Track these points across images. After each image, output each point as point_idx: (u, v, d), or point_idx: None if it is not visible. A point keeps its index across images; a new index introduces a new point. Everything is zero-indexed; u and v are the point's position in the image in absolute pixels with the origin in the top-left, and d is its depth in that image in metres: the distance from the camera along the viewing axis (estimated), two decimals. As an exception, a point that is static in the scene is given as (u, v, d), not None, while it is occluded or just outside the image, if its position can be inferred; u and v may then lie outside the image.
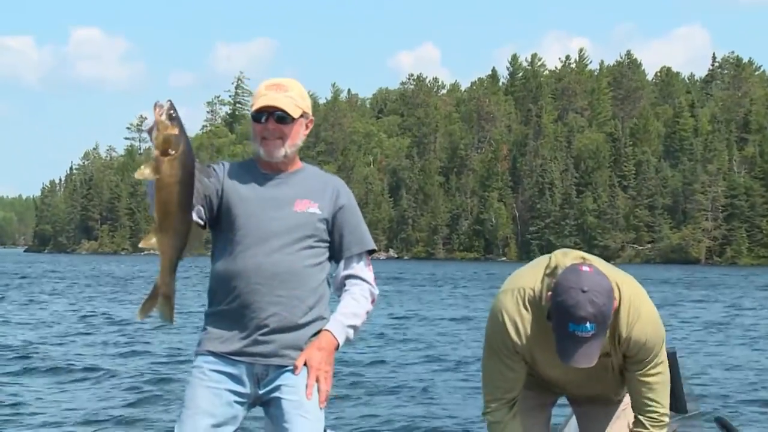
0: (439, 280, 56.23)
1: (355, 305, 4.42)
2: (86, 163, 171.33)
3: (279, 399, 4.28)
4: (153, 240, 4.01)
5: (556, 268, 4.26)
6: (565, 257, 4.31)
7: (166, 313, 4.11)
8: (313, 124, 4.57)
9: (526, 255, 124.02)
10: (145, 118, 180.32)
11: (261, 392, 4.32)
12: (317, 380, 4.27)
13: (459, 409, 12.54)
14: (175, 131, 3.83)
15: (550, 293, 4.18)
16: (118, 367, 16.04)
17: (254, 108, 4.37)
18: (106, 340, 20.55)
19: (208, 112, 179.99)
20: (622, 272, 4.42)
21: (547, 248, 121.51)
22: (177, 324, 23.14)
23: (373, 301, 4.49)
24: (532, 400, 4.66)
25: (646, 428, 4.45)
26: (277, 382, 4.30)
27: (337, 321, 4.37)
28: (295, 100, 4.38)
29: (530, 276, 4.38)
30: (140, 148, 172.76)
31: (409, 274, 63.72)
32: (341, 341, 4.35)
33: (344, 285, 4.48)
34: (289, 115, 4.34)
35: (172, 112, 3.83)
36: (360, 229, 4.49)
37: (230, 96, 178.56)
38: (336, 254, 4.48)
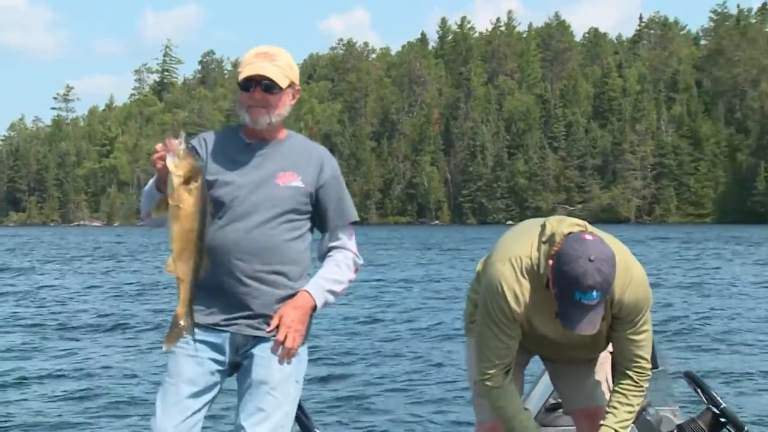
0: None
1: (337, 271, 4.43)
2: (12, 134, 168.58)
3: (249, 369, 4.34)
4: (173, 267, 4.07)
5: (553, 235, 4.29)
6: (561, 224, 4.33)
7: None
8: (299, 93, 4.56)
9: (458, 218, 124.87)
10: (72, 88, 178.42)
11: (237, 359, 4.38)
12: (285, 338, 4.28)
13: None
14: (196, 161, 3.96)
15: (551, 261, 4.22)
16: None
17: (241, 76, 4.34)
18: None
19: (135, 80, 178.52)
20: (609, 235, 4.47)
21: (480, 211, 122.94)
22: (164, 293, 23.28)
23: (356, 270, 4.52)
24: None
25: (635, 381, 4.56)
26: (252, 351, 4.34)
27: (316, 283, 4.38)
28: (283, 69, 4.36)
29: (524, 244, 4.40)
30: (67, 118, 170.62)
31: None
32: (319, 303, 4.35)
33: (328, 254, 4.51)
34: (276, 84, 4.33)
35: (188, 144, 3.95)
36: (344, 202, 4.50)
37: (158, 64, 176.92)
38: (320, 226, 4.50)
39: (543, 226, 4.38)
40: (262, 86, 4.32)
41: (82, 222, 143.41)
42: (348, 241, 4.51)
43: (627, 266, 4.37)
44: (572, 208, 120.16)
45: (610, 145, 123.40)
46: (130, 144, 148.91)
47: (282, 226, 4.35)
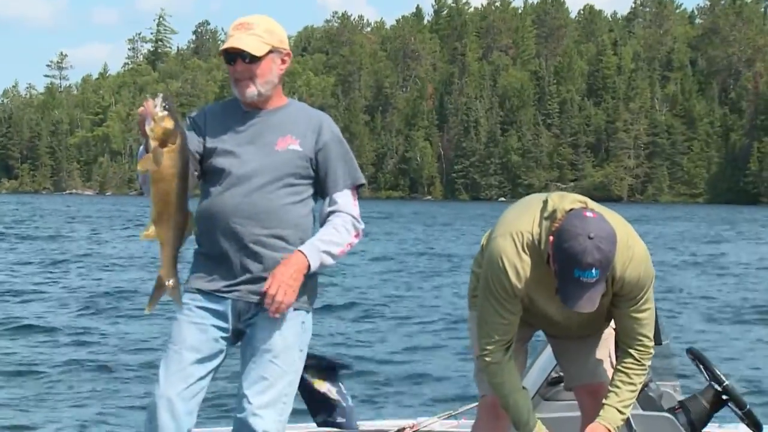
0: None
1: (334, 233, 4.38)
2: (5, 101, 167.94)
3: (253, 337, 4.34)
4: (152, 231, 4.07)
5: (554, 211, 4.27)
6: (563, 200, 4.31)
7: (178, 300, 4.26)
8: (291, 57, 4.51)
9: (451, 194, 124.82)
10: (66, 56, 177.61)
11: (240, 326, 4.37)
12: (276, 292, 4.22)
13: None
14: (172, 123, 3.93)
15: (552, 238, 4.21)
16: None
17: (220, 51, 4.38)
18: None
19: (129, 49, 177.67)
20: (611, 211, 4.45)
21: (472, 187, 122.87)
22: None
23: (357, 235, 4.46)
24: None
25: (637, 360, 4.53)
26: (255, 319, 4.34)
27: (311, 243, 4.34)
28: (261, 37, 4.32)
29: (526, 219, 4.38)
30: (60, 87, 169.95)
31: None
32: (313, 263, 4.30)
33: (327, 218, 4.47)
34: (250, 54, 4.29)
35: (166, 104, 3.92)
36: (344, 165, 4.46)
37: (152, 33, 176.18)
38: (321, 191, 4.47)
39: (545, 202, 4.35)
40: (242, 58, 4.31)
41: (74, 190, 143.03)
42: (348, 205, 4.45)
43: (628, 244, 4.35)
44: (565, 186, 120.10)
45: (603, 123, 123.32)
46: (123, 113, 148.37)
47: (281, 190, 4.34)
